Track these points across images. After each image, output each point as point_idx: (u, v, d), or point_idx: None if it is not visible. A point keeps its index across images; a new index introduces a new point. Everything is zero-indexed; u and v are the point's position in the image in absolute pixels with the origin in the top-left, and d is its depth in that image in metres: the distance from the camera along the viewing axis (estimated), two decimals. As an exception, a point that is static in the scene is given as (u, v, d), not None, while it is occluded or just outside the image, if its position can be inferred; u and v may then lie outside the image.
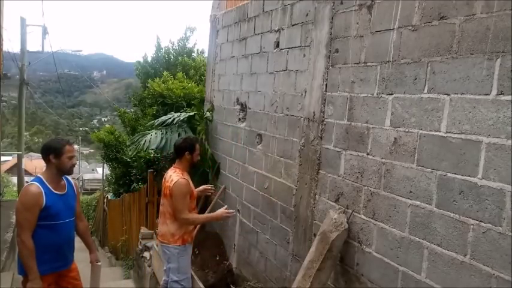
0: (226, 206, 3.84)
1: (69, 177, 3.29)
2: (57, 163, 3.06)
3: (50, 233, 2.99)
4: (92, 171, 43.04)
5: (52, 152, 3.06)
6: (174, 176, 3.61)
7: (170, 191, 3.59)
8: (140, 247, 5.80)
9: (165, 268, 4.00)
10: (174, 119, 5.87)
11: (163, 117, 6.12)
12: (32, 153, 37.98)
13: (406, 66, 2.51)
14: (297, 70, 3.75)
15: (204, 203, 5.75)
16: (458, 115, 2.16)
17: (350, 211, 2.95)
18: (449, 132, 2.20)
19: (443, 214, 2.22)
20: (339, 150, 3.11)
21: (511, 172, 1.89)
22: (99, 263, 3.45)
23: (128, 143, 7.36)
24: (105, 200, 12.27)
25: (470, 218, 2.07)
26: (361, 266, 2.83)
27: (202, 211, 5.59)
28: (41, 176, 3.07)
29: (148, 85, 8.78)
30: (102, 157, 11.09)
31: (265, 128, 4.33)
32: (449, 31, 2.22)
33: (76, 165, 3.12)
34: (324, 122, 3.30)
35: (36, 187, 2.95)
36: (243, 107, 4.93)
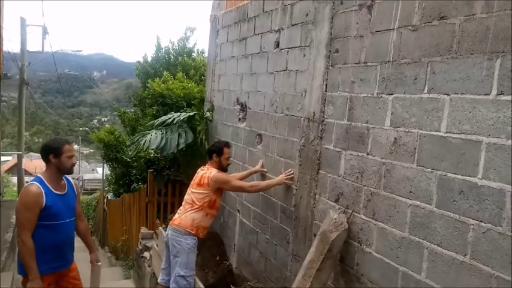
0: (286, 172, 3.84)
1: (69, 177, 3.29)
2: (56, 163, 3.06)
3: (50, 233, 2.99)
4: (92, 171, 43.06)
5: (51, 152, 3.06)
6: (212, 170, 3.87)
7: (209, 180, 3.77)
8: (140, 247, 5.81)
9: (163, 267, 3.98)
10: (174, 119, 5.87)
11: (163, 117, 6.12)
12: (32, 153, 37.97)
13: (406, 66, 2.51)
14: (297, 70, 3.75)
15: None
16: (458, 115, 2.16)
17: (350, 211, 2.95)
18: (449, 132, 2.20)
19: (443, 214, 2.22)
20: (339, 150, 3.11)
21: (511, 172, 1.89)
22: (99, 263, 3.46)
23: (127, 143, 7.36)
24: (105, 200, 12.28)
25: (470, 218, 2.07)
26: (361, 266, 2.83)
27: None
28: (41, 176, 3.07)
29: (148, 85, 8.78)
30: (102, 157, 11.09)
31: (265, 128, 4.33)
32: (449, 31, 2.22)
33: (76, 165, 3.13)
34: (324, 122, 3.30)
35: (36, 187, 2.95)
36: (243, 107, 4.94)
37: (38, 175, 3.12)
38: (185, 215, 3.79)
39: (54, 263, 3.07)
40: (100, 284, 3.48)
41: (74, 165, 3.17)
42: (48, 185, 3.02)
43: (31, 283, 2.87)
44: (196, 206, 3.77)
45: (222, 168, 3.96)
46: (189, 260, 3.74)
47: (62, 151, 3.05)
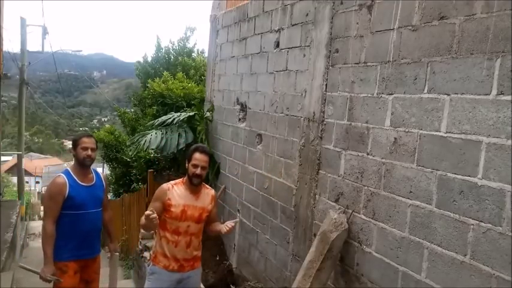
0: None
1: (99, 171, 3.43)
2: (74, 154, 3.22)
3: (75, 222, 3.12)
4: (92, 171, 43.02)
5: (72, 145, 3.26)
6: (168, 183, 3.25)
7: None
8: (140, 247, 5.79)
9: None
10: (174, 119, 5.87)
11: (163, 117, 6.12)
12: (32, 153, 38.01)
13: (406, 66, 2.51)
14: (297, 70, 3.75)
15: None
16: (458, 115, 2.16)
17: (350, 211, 2.95)
18: (449, 132, 2.20)
19: (443, 214, 2.22)
20: (339, 150, 3.11)
21: (511, 172, 1.89)
22: (116, 253, 3.62)
23: (127, 143, 7.36)
24: (105, 200, 12.25)
25: (470, 218, 2.07)
26: (361, 266, 2.83)
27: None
28: (69, 169, 3.24)
29: (148, 85, 8.78)
30: (102, 157, 11.08)
31: (265, 128, 4.33)
32: (449, 31, 2.22)
33: (92, 157, 3.19)
34: (324, 122, 3.30)
35: (61, 178, 3.11)
36: (243, 107, 4.94)
37: (67, 167, 3.32)
38: None
39: (80, 250, 3.18)
40: (116, 273, 3.63)
41: (87, 157, 3.18)
42: (74, 177, 3.16)
43: (45, 267, 3.02)
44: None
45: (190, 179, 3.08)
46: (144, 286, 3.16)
47: (78, 143, 3.19)
